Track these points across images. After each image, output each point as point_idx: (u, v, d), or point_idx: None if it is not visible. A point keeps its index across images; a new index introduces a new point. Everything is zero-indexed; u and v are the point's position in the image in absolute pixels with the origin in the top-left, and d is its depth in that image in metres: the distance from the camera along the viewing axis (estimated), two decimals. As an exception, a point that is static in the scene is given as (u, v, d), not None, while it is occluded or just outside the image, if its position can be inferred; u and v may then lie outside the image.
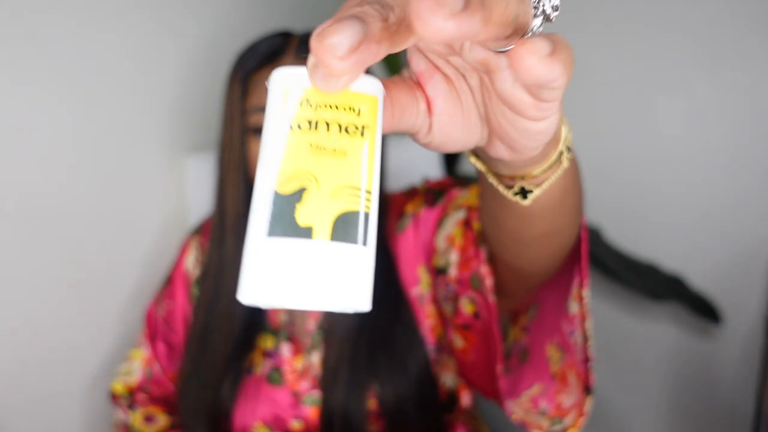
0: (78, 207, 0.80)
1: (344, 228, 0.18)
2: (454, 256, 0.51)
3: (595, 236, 1.18)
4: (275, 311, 0.64)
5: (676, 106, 1.13)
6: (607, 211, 1.21)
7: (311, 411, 0.59)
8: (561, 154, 0.29)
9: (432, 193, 0.60)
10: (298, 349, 0.62)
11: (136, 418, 0.69)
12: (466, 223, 0.50)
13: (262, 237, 0.18)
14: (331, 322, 0.59)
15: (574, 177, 0.33)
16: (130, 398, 0.70)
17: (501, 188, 0.30)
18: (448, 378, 0.62)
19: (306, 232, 0.17)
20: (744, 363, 1.11)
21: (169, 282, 0.72)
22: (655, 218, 1.18)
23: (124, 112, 0.86)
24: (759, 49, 1.05)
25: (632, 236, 1.20)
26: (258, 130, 0.60)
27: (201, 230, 0.73)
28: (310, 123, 0.18)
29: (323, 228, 0.17)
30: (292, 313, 0.64)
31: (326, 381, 0.58)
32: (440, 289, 0.56)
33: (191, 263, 0.70)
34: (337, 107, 0.19)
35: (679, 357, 1.19)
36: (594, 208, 1.19)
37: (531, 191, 0.30)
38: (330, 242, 0.18)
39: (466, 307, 0.51)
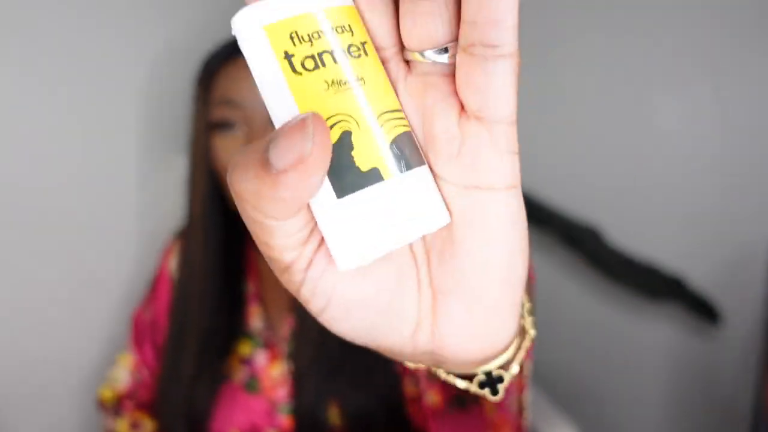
0: (69, 209, 0.80)
1: (404, 154, 0.16)
2: None
3: (594, 236, 1.17)
4: (250, 316, 0.63)
5: (675, 106, 1.12)
6: (606, 211, 1.19)
7: (287, 420, 0.59)
8: (522, 307, 0.22)
9: None
10: (275, 356, 0.61)
11: (122, 424, 0.69)
12: None
13: (333, 201, 0.16)
14: (301, 328, 0.58)
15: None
16: (117, 405, 0.70)
17: (459, 383, 0.22)
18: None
19: (374, 176, 0.16)
20: (743, 363, 1.10)
21: (154, 285, 0.72)
22: (655, 218, 1.17)
23: (118, 112, 0.86)
24: (758, 49, 1.04)
25: (631, 236, 1.19)
26: (220, 125, 0.58)
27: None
28: (314, 59, 0.15)
29: (388, 163, 0.16)
30: (268, 319, 0.63)
31: (294, 389, 0.58)
32: None
33: (174, 266, 0.70)
34: (330, 31, 0.16)
35: (678, 357, 1.18)
36: (594, 208, 1.18)
37: (501, 379, 0.21)
38: (401, 174, 0.16)
39: (408, 387, 0.52)
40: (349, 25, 0.16)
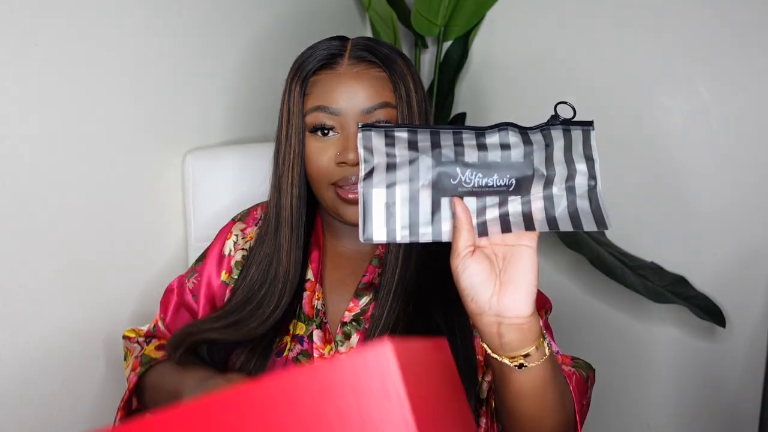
0: (76, 207, 0.81)
1: None
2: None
3: (597, 236, 1.17)
4: (310, 299, 0.69)
5: (678, 107, 1.12)
6: (609, 212, 1.20)
7: None
8: (543, 341, 0.50)
9: None
10: (328, 339, 0.67)
11: (149, 348, 0.74)
12: (489, 390, 0.64)
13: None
14: (380, 311, 0.64)
15: (554, 376, 0.52)
16: (143, 338, 0.77)
17: (506, 360, 0.49)
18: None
19: None
20: (749, 363, 1.11)
21: (204, 259, 0.76)
22: (658, 219, 1.17)
23: (122, 111, 0.86)
24: (760, 51, 1.04)
25: (635, 238, 1.19)
26: (314, 129, 0.65)
27: (245, 217, 0.78)
28: None
29: None
30: (326, 303, 0.69)
31: None
32: None
33: (230, 247, 0.75)
34: None
35: (683, 358, 1.18)
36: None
37: (525, 365, 0.49)
38: None
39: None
40: None
